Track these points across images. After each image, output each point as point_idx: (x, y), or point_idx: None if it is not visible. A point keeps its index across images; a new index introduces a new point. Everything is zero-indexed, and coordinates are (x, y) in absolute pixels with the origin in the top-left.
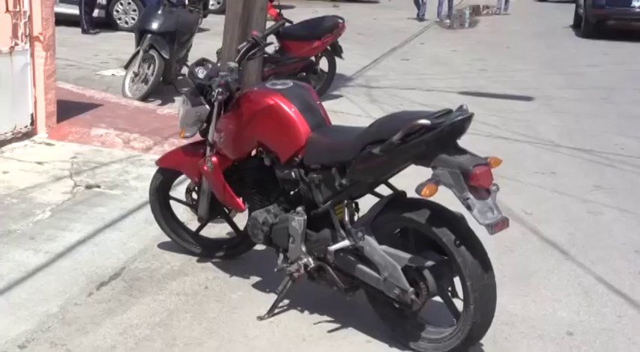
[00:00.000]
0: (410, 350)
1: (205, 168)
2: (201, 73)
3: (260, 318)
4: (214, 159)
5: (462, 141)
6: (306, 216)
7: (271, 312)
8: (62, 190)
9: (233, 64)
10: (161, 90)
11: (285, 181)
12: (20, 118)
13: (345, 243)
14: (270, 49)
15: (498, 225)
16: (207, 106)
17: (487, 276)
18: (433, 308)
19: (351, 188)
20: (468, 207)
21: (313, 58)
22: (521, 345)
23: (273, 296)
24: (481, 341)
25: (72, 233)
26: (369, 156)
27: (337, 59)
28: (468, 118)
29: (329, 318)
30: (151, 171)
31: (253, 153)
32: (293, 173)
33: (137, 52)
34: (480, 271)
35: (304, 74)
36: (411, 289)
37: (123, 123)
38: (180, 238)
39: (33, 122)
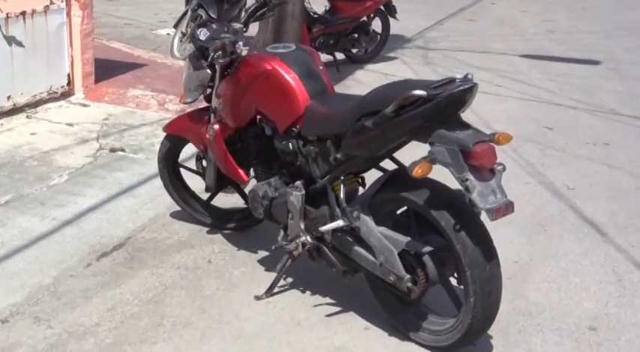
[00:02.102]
0: (409, 340)
1: (207, 135)
2: (203, 34)
3: (257, 298)
4: (216, 126)
5: (512, 110)
6: (304, 191)
7: (269, 292)
8: (85, 153)
9: (238, 26)
10: None
11: (285, 153)
12: (56, 78)
13: (339, 223)
14: (319, 9)
15: (500, 210)
16: (209, 70)
17: (490, 266)
18: (440, 296)
19: (349, 163)
20: (467, 189)
21: (365, 18)
22: (535, 339)
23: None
24: (491, 332)
25: (84, 199)
26: (362, 128)
27: (397, 20)
28: (470, 89)
29: (330, 300)
30: None
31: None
32: (290, 144)
33: (186, 11)
34: (482, 260)
35: (355, 35)
36: (408, 276)
37: (162, 84)
38: (190, 208)
39: (70, 82)
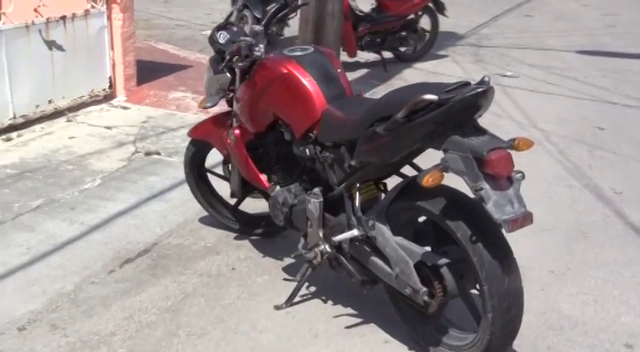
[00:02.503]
0: None
1: (229, 140)
2: (222, 37)
3: (277, 308)
4: (237, 131)
5: (562, 108)
6: (322, 199)
7: (290, 302)
8: (120, 157)
9: (258, 28)
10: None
11: (303, 159)
12: (98, 82)
13: (353, 232)
14: (366, 7)
15: (518, 222)
16: (228, 74)
17: (509, 280)
18: (463, 308)
19: (364, 170)
20: (482, 199)
21: (413, 16)
22: None
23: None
24: (517, 347)
25: (115, 203)
26: (374, 135)
27: (446, 17)
28: (483, 93)
29: (351, 311)
30: None
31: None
32: (308, 150)
33: (231, 13)
34: (500, 273)
35: (403, 33)
36: (424, 289)
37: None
38: (217, 213)
39: (111, 85)
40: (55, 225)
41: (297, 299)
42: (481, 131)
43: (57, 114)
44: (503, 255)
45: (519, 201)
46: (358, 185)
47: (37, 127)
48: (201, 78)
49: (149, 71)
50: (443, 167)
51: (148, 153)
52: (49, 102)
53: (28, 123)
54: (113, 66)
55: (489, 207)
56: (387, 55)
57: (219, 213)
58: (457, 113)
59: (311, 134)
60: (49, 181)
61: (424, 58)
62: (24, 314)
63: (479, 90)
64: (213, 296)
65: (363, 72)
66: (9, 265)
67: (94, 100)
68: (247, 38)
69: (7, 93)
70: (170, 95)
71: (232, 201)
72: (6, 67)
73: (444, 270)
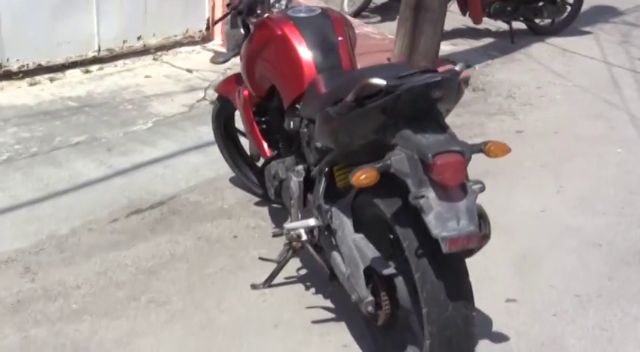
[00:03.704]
0: None
1: (238, 100)
2: None
3: (253, 287)
4: (245, 92)
5: None
6: (301, 178)
7: (267, 283)
8: (184, 102)
9: None
10: (390, 4)
11: (288, 132)
12: (194, 22)
13: (309, 222)
14: None
15: (459, 241)
16: (242, 30)
17: (454, 307)
18: None
19: (330, 154)
20: (421, 209)
21: None
22: None
23: (297, 263)
24: None
25: (153, 149)
26: (327, 116)
27: None
28: (437, 83)
29: (327, 304)
30: None
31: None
32: (292, 123)
33: None
34: (444, 297)
35: (540, 4)
36: (369, 298)
37: None
38: (242, 174)
39: (208, 27)
40: (83, 165)
41: (280, 280)
42: (442, 128)
43: (145, 51)
44: (453, 276)
45: (469, 217)
46: (326, 169)
47: (120, 63)
48: None
49: None
50: (382, 165)
51: (213, 102)
52: (138, 38)
53: (113, 57)
54: (213, 7)
55: (429, 219)
56: (521, 26)
57: (244, 175)
58: (407, 103)
59: (297, 105)
60: (102, 119)
61: (562, 33)
62: (7, 251)
63: (430, 80)
64: (198, 263)
65: (485, 41)
66: (20, 199)
67: (189, 41)
68: None
69: (94, 26)
70: None
71: (260, 164)
72: None
73: (399, 280)
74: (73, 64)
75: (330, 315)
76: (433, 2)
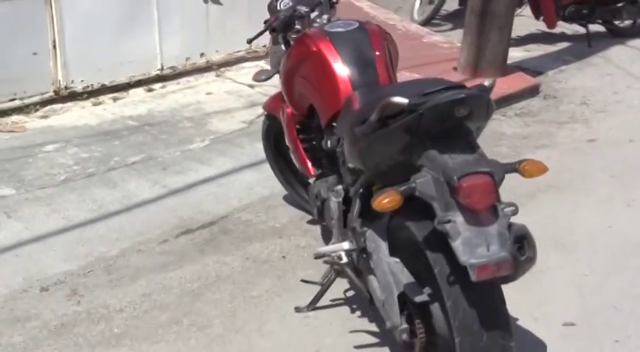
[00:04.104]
0: None
1: (282, 118)
2: (283, 4)
3: (297, 310)
4: (288, 109)
5: None
6: (340, 198)
7: (311, 306)
8: (244, 118)
9: None
10: (462, 11)
11: (325, 151)
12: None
13: (342, 245)
14: None
15: (488, 269)
16: (283, 46)
17: (488, 337)
18: None
19: (363, 174)
20: (447, 235)
21: None
22: None
23: (344, 284)
24: None
25: (208, 168)
26: (353, 137)
27: None
28: (460, 101)
29: (371, 329)
30: None
31: None
32: (329, 142)
33: None
34: (477, 327)
35: (619, 4)
36: (403, 326)
37: None
38: (294, 191)
39: None
40: (137, 185)
41: (326, 303)
42: (471, 148)
43: (208, 68)
44: (487, 304)
45: (500, 243)
46: (361, 190)
47: (183, 80)
48: None
49: None
50: (406, 188)
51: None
52: (201, 55)
53: (176, 75)
54: None
55: (456, 244)
56: (599, 28)
57: (297, 193)
58: (431, 122)
59: (334, 124)
60: (160, 137)
61: None
62: (56, 274)
63: (454, 97)
64: (244, 285)
65: (560, 46)
66: (72, 220)
67: (252, 57)
68: (303, 7)
69: (156, 45)
70: None
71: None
72: (156, 17)
73: (434, 307)
74: (137, 83)
75: (374, 340)
76: (500, 7)
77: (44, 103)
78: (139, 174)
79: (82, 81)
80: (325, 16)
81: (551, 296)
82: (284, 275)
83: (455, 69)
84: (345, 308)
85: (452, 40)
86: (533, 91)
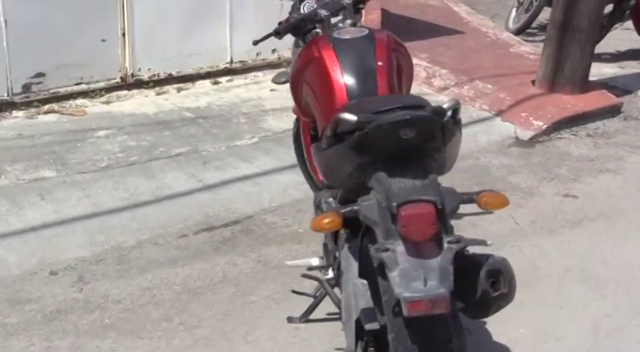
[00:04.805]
0: None
1: (299, 123)
2: (307, 7)
3: (289, 320)
4: None
5: None
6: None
7: (304, 318)
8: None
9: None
10: None
11: None
12: None
13: (311, 261)
14: None
15: (421, 305)
16: None
17: None
18: None
19: (336, 189)
20: (382, 264)
21: None
22: None
23: None
24: None
25: (249, 165)
26: (317, 149)
27: None
28: (406, 122)
29: None
30: None
31: None
32: None
33: None
34: None
35: None
36: None
37: (452, 56)
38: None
39: None
40: (174, 177)
41: (321, 316)
42: (425, 173)
43: (278, 64)
44: (429, 341)
45: (440, 278)
46: (338, 205)
47: (251, 75)
48: (459, 47)
49: (410, 32)
50: (350, 210)
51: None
52: (273, 51)
53: (246, 69)
54: None
55: (393, 275)
56: None
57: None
58: (379, 142)
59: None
60: (211, 131)
61: None
62: (69, 259)
63: (400, 117)
64: (245, 288)
65: None
66: (101, 207)
67: None
68: (324, 11)
69: (227, 38)
70: None
71: None
72: (228, 10)
73: (392, 337)
74: (206, 75)
75: None
76: (582, 21)
77: (110, 89)
78: (178, 166)
79: (148, 69)
80: (348, 21)
81: (561, 335)
82: (290, 283)
83: (533, 83)
84: (338, 324)
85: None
86: (613, 111)
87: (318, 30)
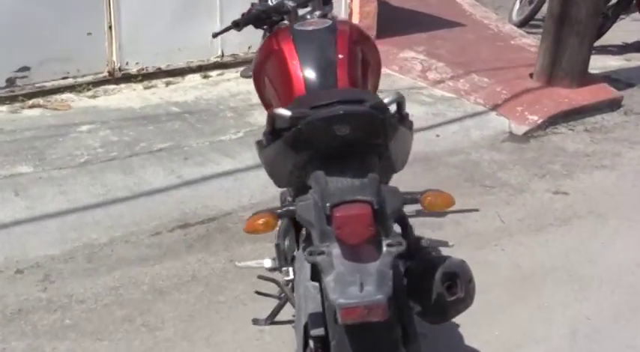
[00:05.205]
0: None
1: None
2: None
3: (254, 322)
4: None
5: None
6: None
7: (270, 320)
8: None
9: None
10: None
11: None
12: None
13: (264, 262)
14: None
15: (356, 312)
16: None
17: None
18: None
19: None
20: (320, 268)
21: None
22: None
23: None
24: None
25: (231, 161)
26: (258, 146)
27: None
28: (340, 118)
29: None
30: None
31: None
32: None
33: None
34: None
35: None
36: None
37: (450, 48)
38: None
39: None
40: (153, 173)
41: (287, 317)
42: (364, 171)
43: None
44: (375, 348)
45: (378, 284)
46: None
47: (242, 68)
48: (457, 40)
49: (409, 24)
50: (286, 210)
51: None
52: None
53: (238, 63)
54: (350, 14)
55: (328, 280)
56: None
57: None
58: (314, 139)
59: None
60: (196, 126)
61: None
62: (37, 257)
63: (333, 113)
64: (214, 288)
65: None
66: (76, 204)
67: None
68: (290, 2)
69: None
70: (401, 54)
71: None
72: (218, 3)
73: (335, 345)
74: (197, 69)
75: None
76: (580, 13)
77: (97, 84)
78: (159, 162)
79: (136, 63)
80: (317, 13)
81: (537, 338)
82: (259, 283)
83: (531, 76)
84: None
85: None
86: (613, 105)
87: (285, 22)
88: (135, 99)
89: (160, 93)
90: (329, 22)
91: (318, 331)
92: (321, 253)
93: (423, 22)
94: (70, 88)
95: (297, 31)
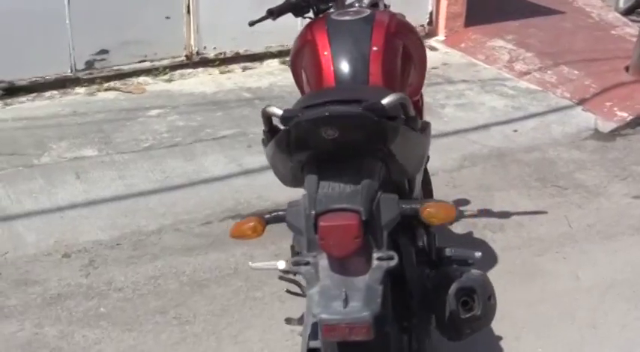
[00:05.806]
0: None
1: None
2: None
3: (287, 321)
4: None
5: None
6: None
7: (303, 320)
8: None
9: None
10: None
11: None
12: (417, 17)
13: (277, 263)
14: None
15: (337, 330)
16: None
17: None
18: None
19: None
20: (304, 279)
21: None
22: None
23: None
24: None
25: None
26: (262, 143)
27: None
28: (327, 120)
29: None
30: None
31: None
32: None
33: None
34: None
35: None
36: None
37: (546, 37)
38: None
39: (431, 22)
40: (215, 159)
41: None
42: (358, 179)
43: None
44: None
45: (366, 300)
46: None
47: None
48: (554, 29)
49: (502, 11)
50: (275, 216)
51: None
52: None
53: None
54: (437, 1)
55: (312, 293)
56: None
57: None
58: (304, 141)
59: None
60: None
61: None
62: (85, 242)
63: (318, 115)
64: (254, 283)
65: None
66: (131, 189)
67: None
68: None
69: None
70: (489, 43)
71: None
72: None
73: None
74: (277, 54)
75: None
76: None
77: (174, 68)
78: (221, 149)
79: (214, 48)
80: (366, 1)
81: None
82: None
83: (626, 69)
84: None
85: None
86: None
87: (333, 10)
88: (209, 83)
89: (235, 78)
90: (367, 12)
91: (315, 343)
92: (307, 263)
93: (518, 9)
94: (147, 72)
95: (333, 20)
